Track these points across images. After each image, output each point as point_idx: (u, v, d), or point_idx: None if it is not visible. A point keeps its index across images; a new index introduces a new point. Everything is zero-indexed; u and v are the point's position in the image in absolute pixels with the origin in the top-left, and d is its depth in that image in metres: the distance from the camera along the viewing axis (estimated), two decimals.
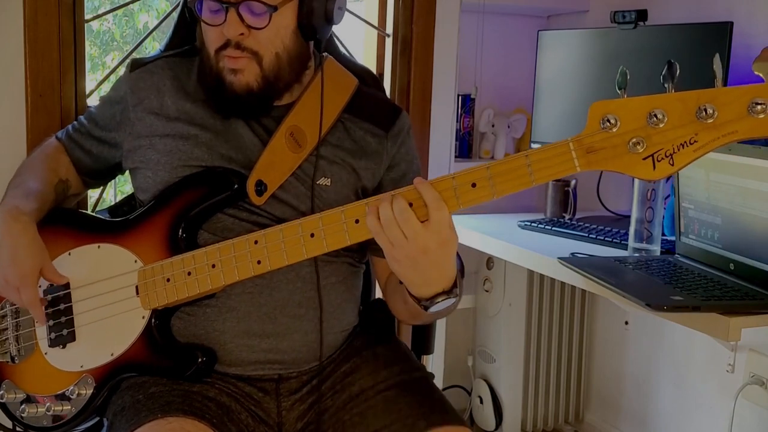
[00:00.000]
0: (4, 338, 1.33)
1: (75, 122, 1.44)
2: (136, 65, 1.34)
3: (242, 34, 1.18)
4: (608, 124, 0.96)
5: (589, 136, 0.97)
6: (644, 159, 0.95)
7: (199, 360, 1.21)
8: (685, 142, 0.94)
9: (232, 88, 1.21)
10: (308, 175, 1.26)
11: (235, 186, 1.22)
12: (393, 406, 1.22)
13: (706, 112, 0.92)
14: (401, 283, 1.13)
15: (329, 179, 1.26)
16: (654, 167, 0.95)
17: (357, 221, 1.08)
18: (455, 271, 1.11)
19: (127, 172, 1.37)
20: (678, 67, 0.97)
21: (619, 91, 0.98)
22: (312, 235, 1.11)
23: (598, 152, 0.97)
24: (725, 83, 1.83)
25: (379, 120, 1.33)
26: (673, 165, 0.95)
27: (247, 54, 1.19)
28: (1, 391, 1.31)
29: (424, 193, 1.03)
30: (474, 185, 1.03)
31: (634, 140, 0.95)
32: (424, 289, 1.10)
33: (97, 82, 1.94)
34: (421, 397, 1.24)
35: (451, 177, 1.04)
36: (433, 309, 1.12)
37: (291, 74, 1.25)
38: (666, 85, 0.96)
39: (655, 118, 0.94)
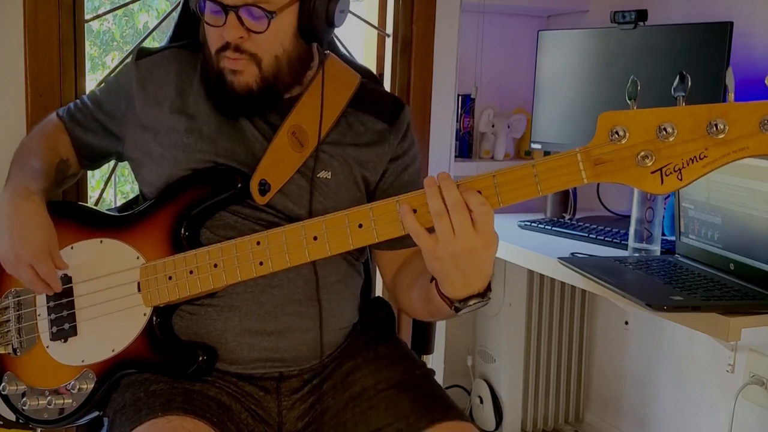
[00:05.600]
0: (6, 330, 1.33)
1: (78, 101, 1.42)
2: (143, 54, 1.32)
3: (242, 37, 1.18)
4: (617, 136, 0.94)
5: (597, 148, 0.95)
6: (652, 173, 0.93)
7: (200, 359, 1.21)
8: (695, 156, 0.92)
9: (232, 88, 1.21)
10: (309, 169, 1.26)
11: (239, 185, 1.22)
12: (395, 405, 1.22)
13: (716, 128, 0.90)
14: (432, 280, 1.09)
15: (329, 172, 1.26)
16: (662, 181, 0.93)
17: (360, 225, 1.07)
18: (492, 273, 1.06)
19: (127, 162, 1.37)
20: (690, 79, 0.94)
21: (629, 102, 0.95)
22: (315, 238, 1.10)
23: (605, 164, 0.95)
24: (724, 84, 1.83)
25: (383, 113, 1.32)
26: (681, 180, 0.93)
27: (245, 56, 1.19)
28: (3, 383, 1.31)
29: (468, 197, 0.99)
30: (479, 193, 1.00)
31: (642, 153, 0.93)
32: (461, 290, 1.05)
33: (97, 82, 1.93)
34: (423, 394, 1.24)
35: (456, 184, 1.02)
36: (464, 311, 1.07)
37: (291, 75, 1.25)
38: (677, 98, 0.94)
39: (664, 132, 0.92)
